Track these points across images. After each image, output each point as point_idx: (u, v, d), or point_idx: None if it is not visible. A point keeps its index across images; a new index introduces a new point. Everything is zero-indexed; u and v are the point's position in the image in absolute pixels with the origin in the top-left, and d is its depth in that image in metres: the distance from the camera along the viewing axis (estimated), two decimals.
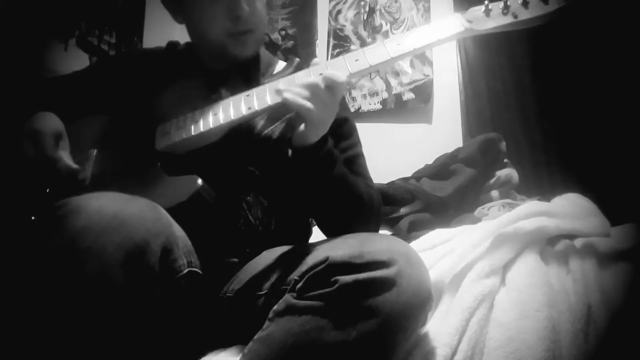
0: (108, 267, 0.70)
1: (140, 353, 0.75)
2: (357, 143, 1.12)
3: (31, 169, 0.97)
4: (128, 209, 0.74)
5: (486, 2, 0.89)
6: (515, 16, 0.87)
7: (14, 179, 1.00)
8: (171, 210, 0.86)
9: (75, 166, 0.99)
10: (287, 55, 2.67)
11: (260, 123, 1.06)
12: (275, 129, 1.06)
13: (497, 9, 0.89)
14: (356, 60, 0.91)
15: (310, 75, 0.92)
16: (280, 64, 1.19)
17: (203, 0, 1.03)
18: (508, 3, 0.88)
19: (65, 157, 0.99)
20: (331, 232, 0.94)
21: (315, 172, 0.92)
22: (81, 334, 0.70)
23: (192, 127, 0.97)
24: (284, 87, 0.90)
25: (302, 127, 0.90)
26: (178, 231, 0.84)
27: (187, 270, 0.82)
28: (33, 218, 0.96)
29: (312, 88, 0.87)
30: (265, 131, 1.06)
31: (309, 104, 0.86)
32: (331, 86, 0.87)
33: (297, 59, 1.17)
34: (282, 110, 0.99)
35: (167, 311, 0.79)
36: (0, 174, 1.01)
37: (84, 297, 0.69)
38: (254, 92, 0.96)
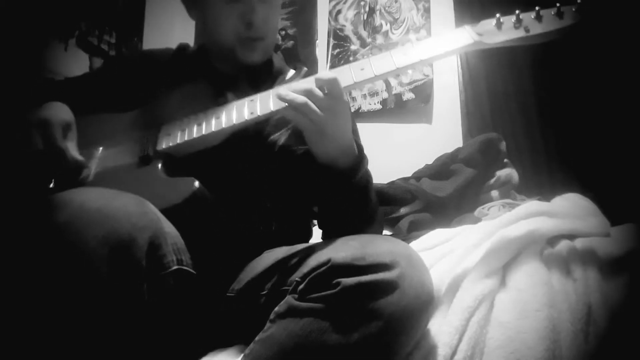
0: (91, 261, 0.69)
1: (134, 351, 0.75)
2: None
3: (37, 158, 0.96)
4: (113, 203, 0.74)
5: (497, 15, 0.86)
6: (528, 30, 0.85)
7: (20, 170, 0.99)
8: (167, 211, 0.86)
9: (80, 158, 0.98)
10: (287, 55, 2.67)
11: (266, 128, 1.06)
12: (281, 136, 1.07)
13: (508, 23, 0.86)
14: (361, 69, 0.90)
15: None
16: (291, 72, 1.19)
17: (221, 1, 1.03)
18: (520, 17, 0.85)
19: (72, 148, 0.97)
20: (333, 236, 0.94)
21: (346, 198, 0.92)
22: (67, 329, 0.69)
23: (195, 129, 0.98)
24: (284, 92, 0.88)
25: (307, 138, 0.89)
26: (168, 228, 0.84)
27: (175, 267, 0.82)
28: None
29: (307, 93, 0.86)
30: (271, 137, 1.06)
31: (299, 114, 0.86)
32: (326, 87, 0.85)
33: (305, 68, 1.17)
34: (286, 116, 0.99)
35: (157, 307, 0.79)
36: (5, 165, 1.00)
37: (69, 291, 0.69)
38: (258, 97, 0.96)
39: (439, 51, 0.89)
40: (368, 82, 0.92)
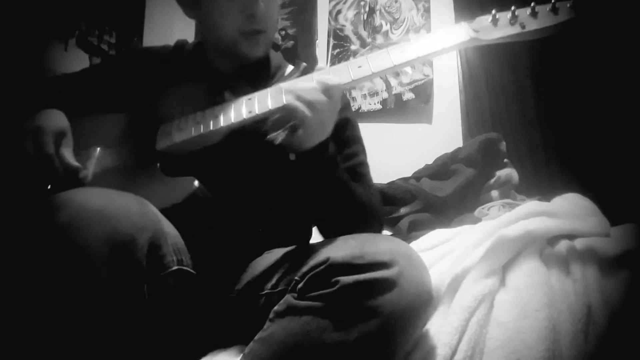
0: (92, 261, 0.69)
1: (134, 351, 0.75)
2: (360, 151, 1.11)
3: (31, 166, 0.96)
4: (113, 203, 0.74)
5: (493, 12, 0.87)
6: (523, 26, 0.85)
7: (17, 176, 0.99)
8: (167, 211, 0.86)
9: (75, 164, 0.98)
10: (287, 55, 2.67)
11: (263, 127, 1.05)
12: (279, 135, 1.06)
13: (504, 19, 0.87)
14: (359, 67, 0.91)
15: (312, 79, 0.92)
16: (289, 68, 1.17)
17: None
18: (516, 13, 0.86)
19: (67, 154, 0.98)
20: (331, 237, 0.94)
21: (316, 176, 0.92)
22: (68, 329, 0.69)
23: (193, 128, 0.97)
24: (286, 88, 0.90)
25: (300, 131, 0.89)
26: (168, 228, 0.84)
27: (175, 267, 0.82)
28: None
29: (310, 93, 0.87)
30: (269, 136, 1.05)
31: (306, 110, 0.86)
32: (326, 90, 0.87)
33: (304, 64, 1.16)
34: (285, 115, 0.99)
35: (157, 308, 0.79)
36: (2, 171, 1.00)
37: (69, 291, 0.69)
38: (256, 95, 0.96)
39: (435, 48, 0.89)
40: (366, 80, 0.93)
